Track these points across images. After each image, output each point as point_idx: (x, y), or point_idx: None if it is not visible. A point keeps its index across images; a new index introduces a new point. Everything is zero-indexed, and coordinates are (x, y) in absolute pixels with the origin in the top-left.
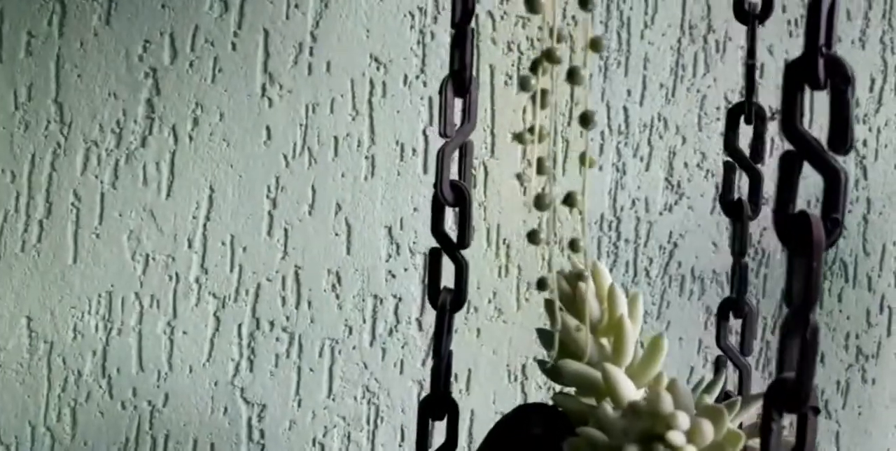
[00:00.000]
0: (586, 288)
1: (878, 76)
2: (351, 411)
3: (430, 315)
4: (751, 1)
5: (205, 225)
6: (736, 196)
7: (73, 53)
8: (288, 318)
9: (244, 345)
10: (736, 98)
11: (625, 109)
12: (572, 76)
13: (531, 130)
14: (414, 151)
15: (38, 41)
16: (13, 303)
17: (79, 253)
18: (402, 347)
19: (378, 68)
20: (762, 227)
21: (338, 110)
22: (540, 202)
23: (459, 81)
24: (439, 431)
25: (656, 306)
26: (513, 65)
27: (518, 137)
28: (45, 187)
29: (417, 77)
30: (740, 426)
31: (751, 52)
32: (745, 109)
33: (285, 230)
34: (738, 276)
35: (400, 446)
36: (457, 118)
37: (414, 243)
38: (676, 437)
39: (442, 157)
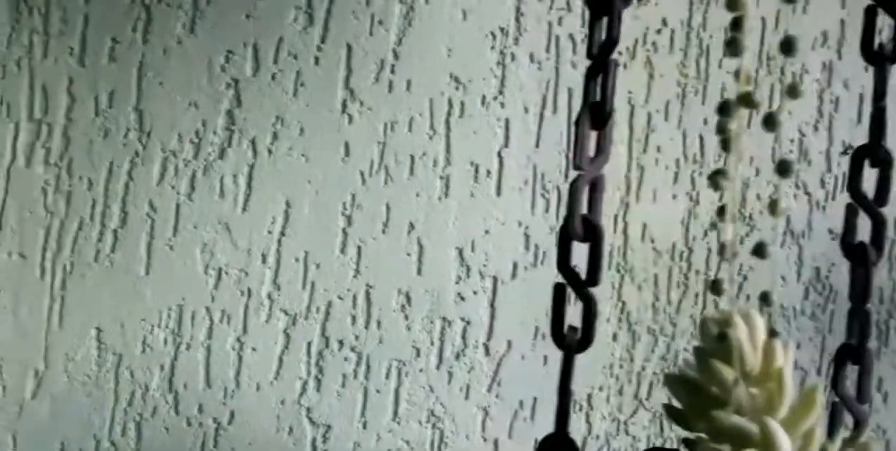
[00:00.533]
0: (739, 336)
1: None
2: (415, 435)
3: (497, 341)
4: (881, 41)
5: (279, 240)
6: (858, 240)
7: (157, 61)
8: (357, 337)
9: (312, 364)
10: (810, 131)
11: (700, 137)
12: (769, 122)
13: (720, 172)
14: (488, 172)
15: (121, 47)
16: (84, 313)
17: (151, 265)
18: (469, 372)
19: (457, 88)
20: (831, 262)
21: (416, 129)
22: (726, 251)
23: (598, 113)
24: None
25: None
26: None
27: (712, 181)
28: (121, 196)
29: (495, 98)
30: None
31: (881, 95)
32: (870, 153)
33: (359, 248)
34: (860, 322)
35: None
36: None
37: (484, 265)
38: None
39: (575, 190)
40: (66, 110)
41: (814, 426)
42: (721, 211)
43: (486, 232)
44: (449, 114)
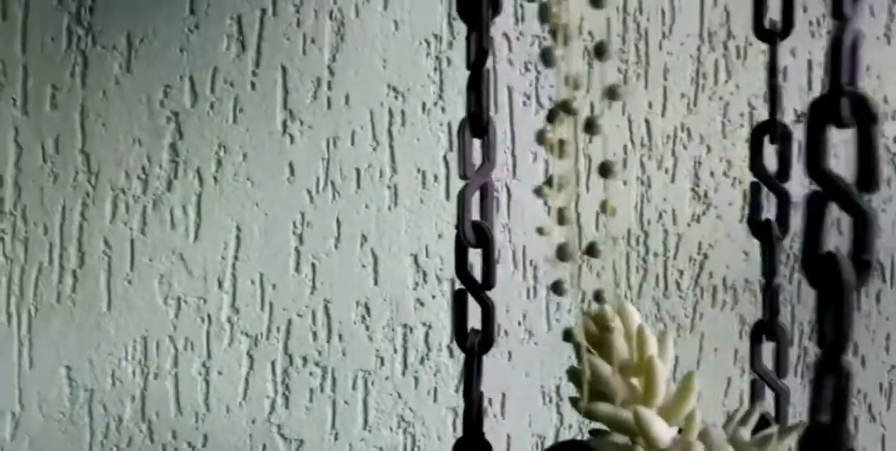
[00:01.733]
0: (614, 329)
1: None
2: (387, 441)
3: None
4: (771, 18)
5: (233, 265)
6: (764, 217)
7: (97, 103)
8: (320, 352)
9: (278, 382)
10: (760, 103)
11: (647, 121)
12: (590, 127)
13: (549, 181)
14: (436, 177)
15: (61, 93)
16: (53, 354)
17: (112, 300)
18: (435, 374)
19: (396, 97)
20: (794, 232)
21: (358, 142)
22: (562, 254)
23: (476, 122)
24: None
25: (689, 318)
26: (530, 85)
27: (538, 191)
28: (76, 237)
29: (436, 103)
30: None
31: (772, 72)
32: (769, 129)
33: (313, 265)
34: (770, 298)
35: None
36: (476, 159)
37: (441, 269)
38: None
39: (463, 199)
40: (16, 159)
41: (694, 410)
42: (558, 215)
43: (439, 236)
44: (390, 124)
